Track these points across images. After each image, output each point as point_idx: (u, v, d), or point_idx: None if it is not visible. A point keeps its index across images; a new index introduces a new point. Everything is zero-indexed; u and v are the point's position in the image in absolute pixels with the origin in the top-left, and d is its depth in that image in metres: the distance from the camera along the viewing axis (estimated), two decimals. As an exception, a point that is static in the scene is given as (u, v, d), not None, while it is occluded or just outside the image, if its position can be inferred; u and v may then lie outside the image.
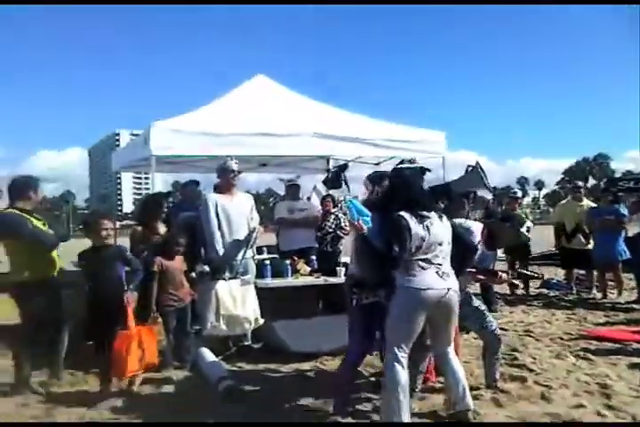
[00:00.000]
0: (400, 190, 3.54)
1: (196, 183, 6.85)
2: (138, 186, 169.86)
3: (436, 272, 3.38)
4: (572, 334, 5.87)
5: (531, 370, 4.52)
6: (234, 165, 5.36)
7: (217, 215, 5.22)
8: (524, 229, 8.68)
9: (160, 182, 13.05)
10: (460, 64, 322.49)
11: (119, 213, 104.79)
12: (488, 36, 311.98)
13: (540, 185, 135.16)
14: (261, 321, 5.03)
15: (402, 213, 3.38)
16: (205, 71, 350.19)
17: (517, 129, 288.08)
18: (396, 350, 3.38)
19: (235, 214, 5.28)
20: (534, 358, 4.89)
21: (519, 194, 10.84)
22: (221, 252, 5.16)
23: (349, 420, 3.46)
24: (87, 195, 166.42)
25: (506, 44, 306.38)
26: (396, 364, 3.35)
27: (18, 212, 4.30)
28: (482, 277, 4.15)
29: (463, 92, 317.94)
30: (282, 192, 7.97)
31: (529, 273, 8.75)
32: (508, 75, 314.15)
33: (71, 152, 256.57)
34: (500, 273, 4.16)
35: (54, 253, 4.45)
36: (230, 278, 5.02)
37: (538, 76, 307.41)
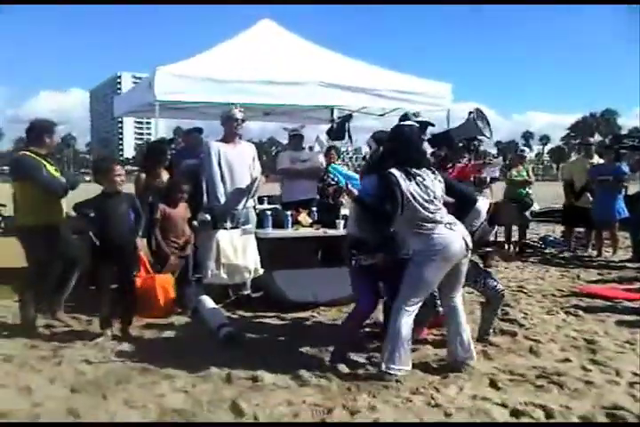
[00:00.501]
0: (398, 148, 3.55)
1: (199, 131, 6.81)
2: (139, 131, 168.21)
3: (445, 226, 3.42)
4: (564, 291, 5.99)
5: (521, 325, 4.64)
6: (238, 114, 5.30)
7: (219, 164, 5.22)
8: (527, 213, 8.64)
9: (162, 128, 12.96)
10: (471, 16, 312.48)
11: (121, 159, 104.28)
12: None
13: (545, 140, 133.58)
14: (261, 271, 5.12)
15: (392, 170, 3.40)
16: (207, 13, 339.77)
17: (527, 82, 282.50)
18: (409, 303, 3.44)
19: (237, 163, 5.28)
20: (525, 314, 5.01)
21: (527, 153, 10.48)
22: (223, 200, 5.19)
23: (344, 368, 3.58)
24: (88, 138, 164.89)
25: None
26: (405, 316, 3.42)
27: (33, 155, 4.32)
28: (488, 249, 4.16)
29: (474, 44, 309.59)
30: (284, 141, 7.90)
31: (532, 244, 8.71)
32: (517, 27, 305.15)
33: (73, 94, 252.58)
34: (504, 246, 4.19)
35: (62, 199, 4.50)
36: (231, 228, 5.08)
37: (548, 29, 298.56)
